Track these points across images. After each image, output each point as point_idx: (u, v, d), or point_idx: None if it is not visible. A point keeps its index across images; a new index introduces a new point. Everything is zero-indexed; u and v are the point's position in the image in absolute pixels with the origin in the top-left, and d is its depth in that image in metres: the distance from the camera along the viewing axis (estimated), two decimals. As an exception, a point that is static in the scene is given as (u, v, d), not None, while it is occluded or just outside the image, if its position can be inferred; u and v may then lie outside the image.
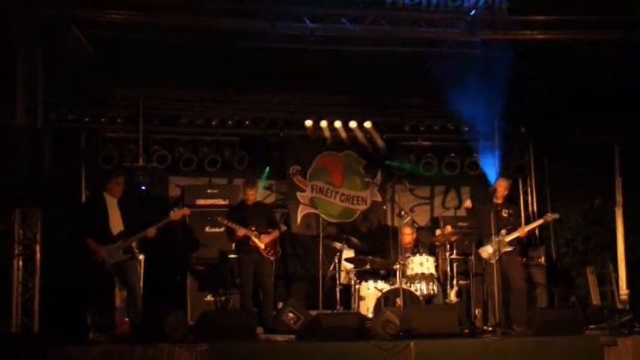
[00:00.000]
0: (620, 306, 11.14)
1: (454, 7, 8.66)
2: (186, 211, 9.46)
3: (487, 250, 9.56)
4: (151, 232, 8.86)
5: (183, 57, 9.63)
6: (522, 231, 9.82)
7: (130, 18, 8.32)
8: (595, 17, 8.79)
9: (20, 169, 7.59)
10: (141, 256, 9.72)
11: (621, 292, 11.41)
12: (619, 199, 11.64)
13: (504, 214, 9.81)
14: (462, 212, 12.44)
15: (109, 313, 8.73)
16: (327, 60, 9.86)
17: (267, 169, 11.76)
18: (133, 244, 8.87)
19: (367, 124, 11.91)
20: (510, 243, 9.67)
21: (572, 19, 8.83)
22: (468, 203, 10.26)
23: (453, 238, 10.77)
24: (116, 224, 8.77)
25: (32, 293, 8.37)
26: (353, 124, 11.84)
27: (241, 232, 9.66)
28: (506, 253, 9.59)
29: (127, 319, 8.96)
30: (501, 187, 9.83)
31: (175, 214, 9.22)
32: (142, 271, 9.89)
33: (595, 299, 11.64)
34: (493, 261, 9.50)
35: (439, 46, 9.53)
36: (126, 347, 7.83)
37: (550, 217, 10.14)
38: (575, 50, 9.44)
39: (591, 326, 9.56)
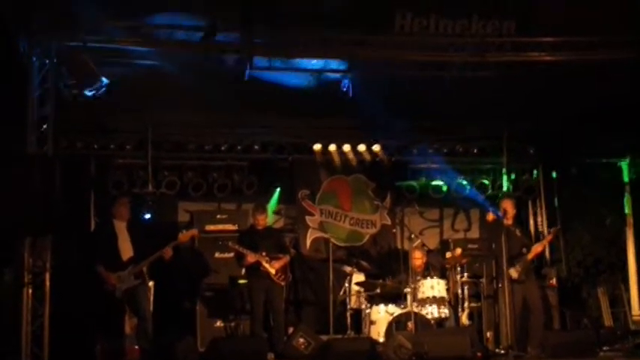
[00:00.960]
0: (632, 327, 11.10)
1: (462, 31, 8.63)
2: (194, 231, 9.48)
3: (517, 270, 9.47)
4: (167, 252, 8.76)
5: (192, 82, 9.63)
6: (538, 247, 9.80)
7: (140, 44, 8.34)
8: (603, 38, 8.82)
9: (33, 198, 7.60)
10: (150, 283, 9.65)
11: (634, 313, 11.40)
12: (630, 219, 11.63)
13: (518, 234, 9.79)
14: (471, 234, 12.44)
15: (119, 340, 8.69)
16: (334, 83, 9.87)
17: (278, 190, 11.76)
18: (144, 270, 8.82)
19: (376, 148, 11.91)
20: (532, 261, 9.66)
21: (581, 40, 8.84)
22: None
23: (464, 260, 10.71)
24: (126, 250, 8.74)
25: (42, 322, 8.32)
26: (362, 147, 11.85)
27: (252, 257, 9.62)
28: (528, 272, 9.55)
29: (136, 347, 8.90)
30: (509, 207, 9.78)
31: (184, 236, 9.21)
32: (152, 297, 9.83)
33: (607, 320, 11.59)
34: (523, 280, 9.45)
35: (449, 69, 9.55)
36: (137, 376, 7.82)
37: (554, 230, 10.19)
38: (584, 70, 9.44)
39: (605, 348, 9.49)
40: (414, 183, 12.12)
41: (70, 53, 8.04)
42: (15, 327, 8.22)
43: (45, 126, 8.27)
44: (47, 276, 8.41)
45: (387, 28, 8.42)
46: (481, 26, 8.61)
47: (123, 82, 9.39)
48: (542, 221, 12.58)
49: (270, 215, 11.02)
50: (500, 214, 9.67)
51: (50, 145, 8.24)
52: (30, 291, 8.32)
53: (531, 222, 12.60)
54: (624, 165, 12.06)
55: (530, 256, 9.57)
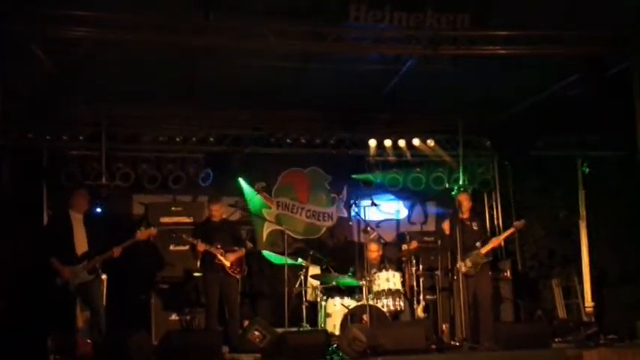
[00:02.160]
0: (585, 318, 11.24)
1: (416, 24, 8.63)
2: (152, 231, 9.32)
3: (466, 264, 9.53)
4: (117, 251, 8.74)
5: (146, 73, 9.53)
6: (496, 241, 9.86)
7: (91, 35, 8.19)
8: (558, 32, 8.88)
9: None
10: (104, 276, 9.55)
11: (586, 305, 11.54)
12: (583, 212, 11.77)
13: (475, 227, 9.85)
14: (427, 227, 12.50)
15: (70, 334, 8.57)
16: (292, 76, 9.83)
17: (239, 180, 11.75)
18: (98, 264, 8.72)
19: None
20: (486, 255, 9.69)
21: (535, 34, 8.89)
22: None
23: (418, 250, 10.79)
24: (81, 244, 8.65)
25: (-10, 315, 8.19)
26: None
27: (202, 247, 9.54)
28: (480, 267, 9.60)
29: (89, 341, 8.78)
30: (465, 201, 9.85)
31: (142, 234, 9.08)
32: (105, 290, 9.73)
33: (561, 312, 11.73)
34: (473, 274, 9.50)
35: (404, 62, 9.56)
36: (88, 369, 7.72)
37: (519, 224, 10.07)
38: (540, 65, 9.52)
39: (557, 339, 9.59)
40: (370, 176, 12.12)
41: (17, 41, 7.84)
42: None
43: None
44: (-6, 269, 8.27)
45: (341, 20, 8.37)
46: (435, 19, 8.59)
47: (77, 72, 9.30)
48: (497, 214, 12.70)
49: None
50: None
51: (-1, 135, 8.07)
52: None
53: (487, 215, 12.69)
54: (578, 158, 12.18)
55: (483, 250, 9.63)
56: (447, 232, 9.97)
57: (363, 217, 10.57)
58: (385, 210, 12.34)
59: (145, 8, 8.02)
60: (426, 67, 9.53)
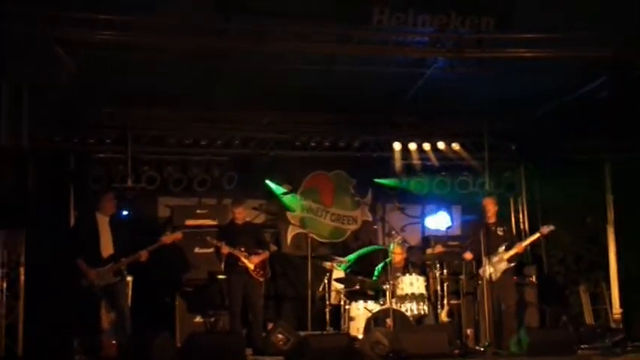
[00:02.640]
0: (613, 325, 11.10)
1: (440, 26, 8.60)
2: (178, 235, 9.30)
3: (489, 269, 9.47)
4: (144, 255, 8.77)
5: (172, 76, 9.59)
6: (520, 246, 9.77)
7: (116, 39, 8.27)
8: (582, 34, 8.80)
9: (3, 191, 7.54)
10: (129, 278, 9.62)
11: (614, 311, 11.40)
12: (610, 217, 11.63)
13: (500, 233, 9.77)
14: (452, 232, 12.41)
15: (96, 335, 8.64)
16: (317, 79, 9.84)
17: (267, 182, 11.77)
18: (123, 266, 8.78)
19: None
20: (510, 260, 9.61)
21: (560, 36, 8.83)
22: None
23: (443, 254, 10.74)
24: (107, 245, 8.70)
25: (16, 316, 8.26)
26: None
27: (225, 249, 9.57)
28: (503, 271, 9.52)
29: (114, 342, 8.84)
30: (491, 206, 9.78)
31: (167, 238, 9.11)
32: (131, 292, 9.79)
33: (588, 318, 11.61)
34: (495, 279, 9.43)
35: (428, 65, 9.54)
36: (112, 370, 7.78)
37: (546, 229, 9.94)
38: (566, 67, 9.44)
39: (583, 346, 9.49)
40: (392, 181, 12.08)
41: (42, 44, 7.93)
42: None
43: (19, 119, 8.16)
44: (22, 270, 8.35)
45: (365, 23, 8.36)
46: (459, 22, 8.56)
47: (103, 76, 9.38)
48: (524, 219, 12.60)
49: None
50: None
51: (25, 139, 8.15)
52: (4, 285, 8.25)
53: (513, 220, 12.60)
54: (606, 162, 12.05)
55: (507, 255, 9.54)
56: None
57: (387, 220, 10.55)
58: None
59: (168, 11, 8.07)
60: (450, 70, 9.50)
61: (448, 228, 11.65)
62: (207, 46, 8.60)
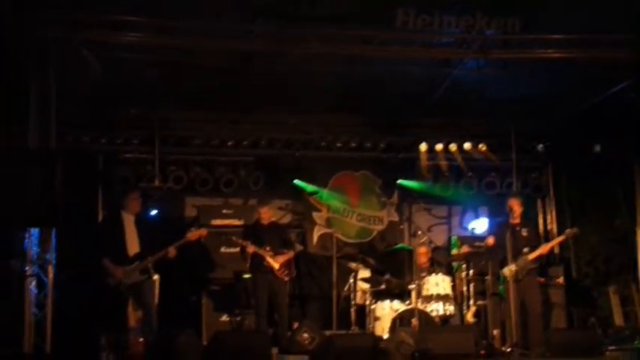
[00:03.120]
0: (643, 326, 11.00)
1: (466, 27, 8.58)
2: (203, 232, 9.39)
3: (511, 269, 9.41)
4: (172, 252, 8.80)
5: (198, 77, 9.67)
6: (545, 248, 9.71)
7: (142, 40, 8.36)
8: (610, 36, 8.74)
9: (32, 191, 7.66)
10: (156, 276, 9.68)
11: (645, 313, 11.27)
12: (640, 219, 11.51)
13: (524, 234, 9.69)
14: (478, 232, 12.37)
15: (123, 333, 8.73)
16: (342, 80, 9.87)
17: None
18: (150, 265, 8.86)
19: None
20: (534, 261, 9.56)
21: (588, 37, 8.77)
22: (490, 240, 10.04)
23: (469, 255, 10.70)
24: (133, 244, 8.76)
25: (45, 313, 8.37)
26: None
27: (251, 249, 9.62)
28: (527, 272, 9.48)
29: (141, 340, 8.92)
30: (516, 206, 9.72)
31: (192, 235, 9.16)
32: (157, 291, 9.87)
33: (618, 320, 11.47)
34: (517, 280, 9.39)
35: (454, 66, 9.52)
36: (139, 367, 7.86)
37: (570, 232, 9.95)
38: (593, 66, 9.37)
39: (611, 347, 9.41)
40: (416, 184, 12.07)
41: (69, 46, 8.04)
42: (19, 318, 8.27)
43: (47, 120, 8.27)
44: (50, 268, 8.45)
45: (389, 25, 8.37)
46: (485, 23, 8.54)
47: (130, 77, 9.48)
48: (551, 220, 12.52)
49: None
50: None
51: (53, 139, 8.26)
52: (33, 282, 8.37)
53: (540, 221, 12.52)
54: (635, 164, 11.92)
55: (531, 256, 9.48)
56: (491, 244, 9.86)
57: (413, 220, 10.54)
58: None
59: (194, 14, 8.15)
60: (477, 71, 9.47)
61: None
62: (233, 49, 8.64)
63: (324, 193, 12.10)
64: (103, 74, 8.66)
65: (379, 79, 9.81)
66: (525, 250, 9.49)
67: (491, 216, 12.21)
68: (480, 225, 11.89)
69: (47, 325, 8.36)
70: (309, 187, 11.88)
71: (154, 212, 10.95)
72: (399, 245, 11.52)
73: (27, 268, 8.29)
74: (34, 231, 8.34)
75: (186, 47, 8.56)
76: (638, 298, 11.55)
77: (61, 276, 8.74)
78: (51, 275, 8.46)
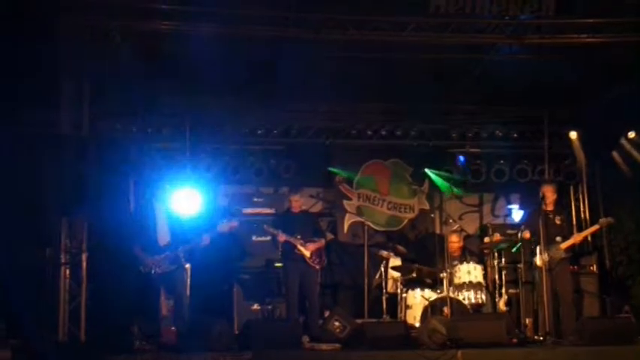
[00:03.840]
0: (678, 315, 10.84)
1: (499, 12, 8.49)
2: (234, 223, 9.38)
3: (543, 258, 9.32)
4: (206, 239, 8.84)
5: (229, 65, 9.65)
6: (578, 237, 9.66)
7: (175, 28, 8.37)
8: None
9: (65, 178, 7.71)
10: (187, 265, 9.71)
11: (678, 301, 11.12)
12: (675, 206, 11.34)
13: (557, 222, 9.62)
14: (511, 220, 12.28)
15: (155, 322, 8.79)
16: (374, 67, 9.81)
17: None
18: (181, 254, 8.89)
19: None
20: (566, 250, 9.48)
21: (621, 21, 8.64)
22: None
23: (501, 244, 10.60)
24: (163, 234, 8.81)
25: (79, 301, 8.45)
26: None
27: (282, 237, 9.63)
28: (559, 261, 9.39)
29: (173, 328, 8.98)
30: (549, 193, 9.63)
31: (223, 227, 9.20)
32: (189, 280, 9.90)
33: (652, 308, 11.35)
34: (550, 268, 9.30)
35: (486, 51, 9.43)
36: (171, 356, 7.93)
37: (605, 222, 9.88)
38: (627, 52, 9.23)
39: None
40: (442, 173, 11.96)
41: (103, 35, 8.08)
42: (54, 306, 8.35)
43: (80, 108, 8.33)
44: (84, 256, 8.52)
45: (423, 10, 8.31)
46: (518, 8, 8.44)
47: (162, 65, 9.50)
48: (584, 208, 12.37)
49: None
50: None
51: (86, 126, 8.31)
52: (67, 271, 8.43)
53: (573, 208, 12.39)
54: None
55: (564, 245, 9.39)
56: (527, 238, 9.76)
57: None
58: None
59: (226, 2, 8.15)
60: (510, 57, 9.38)
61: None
62: (266, 35, 8.61)
63: (358, 178, 12.08)
64: (134, 62, 8.66)
65: (411, 65, 9.71)
66: (558, 239, 9.41)
67: (522, 204, 12.15)
68: (518, 215, 11.83)
69: (82, 312, 8.44)
70: (344, 173, 11.85)
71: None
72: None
73: (61, 256, 8.36)
74: (68, 220, 8.41)
75: (218, 35, 8.52)
76: (673, 286, 11.42)
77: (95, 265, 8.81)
78: (85, 264, 8.53)
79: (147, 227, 8.78)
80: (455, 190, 11.91)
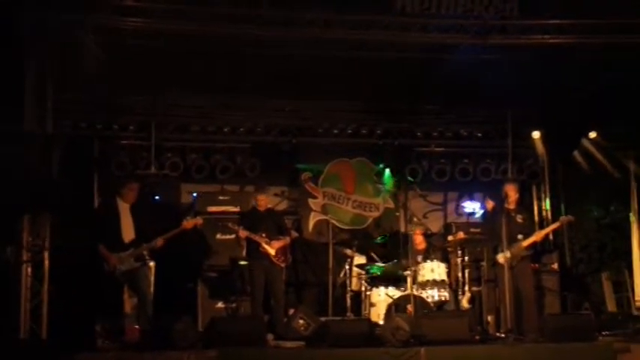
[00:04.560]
0: (635, 312, 11.05)
1: (464, 12, 8.56)
2: (198, 220, 9.39)
3: (505, 256, 9.42)
4: (160, 242, 8.84)
5: (195, 63, 9.62)
6: (539, 235, 9.78)
7: (142, 26, 8.32)
8: (608, 21, 8.72)
9: (28, 176, 7.63)
10: (152, 263, 9.67)
11: (637, 299, 11.32)
12: (634, 205, 11.53)
13: (519, 220, 9.72)
14: (474, 219, 12.37)
15: (118, 320, 8.73)
16: (340, 66, 9.83)
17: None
18: (145, 252, 8.85)
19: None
20: (527, 248, 9.59)
21: (586, 22, 8.76)
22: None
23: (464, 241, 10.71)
24: (128, 231, 8.77)
25: (41, 299, 8.34)
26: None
27: (243, 233, 9.63)
28: (521, 259, 9.50)
29: (136, 326, 8.93)
30: (512, 192, 9.73)
31: (188, 223, 9.18)
32: (153, 278, 9.86)
33: (611, 306, 11.56)
34: (511, 266, 9.40)
35: (451, 51, 9.49)
36: (135, 354, 7.87)
37: (565, 219, 10.05)
38: (591, 53, 9.35)
39: (605, 332, 9.47)
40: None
41: (69, 30, 7.99)
42: (14, 304, 8.25)
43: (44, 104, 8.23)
44: (46, 254, 8.42)
45: (388, 9, 8.35)
46: (483, 8, 8.52)
47: (128, 63, 9.42)
48: (546, 206, 12.53)
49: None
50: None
51: (49, 124, 8.22)
52: (29, 269, 8.33)
53: (535, 207, 12.54)
54: (631, 151, 11.93)
55: (525, 243, 9.51)
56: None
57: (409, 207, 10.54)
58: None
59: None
60: (474, 57, 9.44)
61: (472, 214, 11.65)
62: (233, 34, 8.59)
63: (324, 176, 12.17)
64: (99, 59, 8.58)
65: (377, 64, 9.75)
66: (519, 237, 9.52)
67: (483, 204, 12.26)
68: (473, 206, 11.94)
69: (43, 311, 8.35)
70: (313, 168, 11.96)
71: (157, 197, 11.00)
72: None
73: (23, 254, 8.26)
74: (30, 217, 8.31)
75: (186, 33, 8.49)
76: (630, 284, 11.61)
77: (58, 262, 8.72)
78: (47, 261, 8.44)
79: (111, 224, 8.72)
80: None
